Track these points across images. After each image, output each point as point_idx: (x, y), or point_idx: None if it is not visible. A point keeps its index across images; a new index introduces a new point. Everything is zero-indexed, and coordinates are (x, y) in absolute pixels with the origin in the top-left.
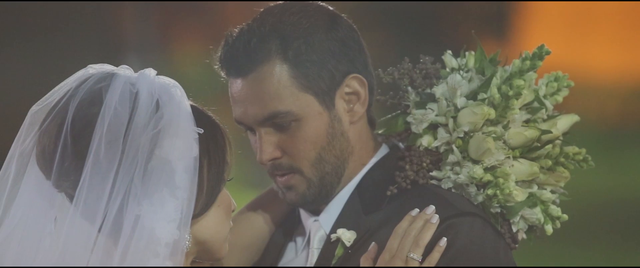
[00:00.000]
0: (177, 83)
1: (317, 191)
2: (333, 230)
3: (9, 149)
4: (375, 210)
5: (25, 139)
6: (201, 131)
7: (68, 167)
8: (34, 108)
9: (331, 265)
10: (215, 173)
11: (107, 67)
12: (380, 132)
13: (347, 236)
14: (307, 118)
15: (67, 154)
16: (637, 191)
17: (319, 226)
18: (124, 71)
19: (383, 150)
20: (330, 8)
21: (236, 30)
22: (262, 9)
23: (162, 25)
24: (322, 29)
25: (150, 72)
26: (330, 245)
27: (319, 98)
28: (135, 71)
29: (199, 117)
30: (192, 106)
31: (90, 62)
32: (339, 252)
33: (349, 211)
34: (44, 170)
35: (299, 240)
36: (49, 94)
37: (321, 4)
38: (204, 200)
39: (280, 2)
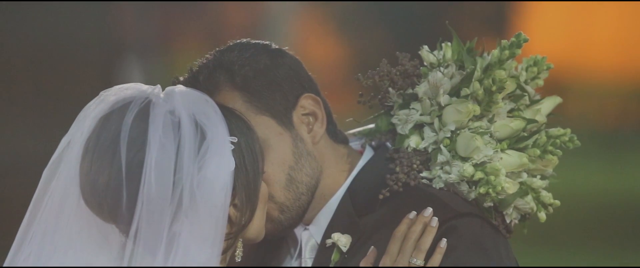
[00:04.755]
0: (203, 95)
1: (294, 215)
2: (324, 238)
3: (8, 148)
4: (368, 212)
5: (64, 170)
6: (235, 139)
7: (124, 208)
8: (65, 139)
9: (332, 267)
10: (253, 174)
11: (130, 90)
12: (358, 130)
13: (343, 241)
14: (268, 140)
15: (122, 196)
16: (637, 191)
17: (309, 236)
18: (156, 92)
19: (368, 153)
20: (273, 45)
21: (181, 77)
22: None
23: (162, 25)
24: (266, 56)
25: (179, 90)
26: (325, 250)
27: (277, 119)
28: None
29: (226, 119)
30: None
31: (90, 62)
32: (335, 257)
33: (342, 214)
34: (93, 207)
35: (292, 249)
36: (76, 125)
37: (263, 43)
38: (250, 206)
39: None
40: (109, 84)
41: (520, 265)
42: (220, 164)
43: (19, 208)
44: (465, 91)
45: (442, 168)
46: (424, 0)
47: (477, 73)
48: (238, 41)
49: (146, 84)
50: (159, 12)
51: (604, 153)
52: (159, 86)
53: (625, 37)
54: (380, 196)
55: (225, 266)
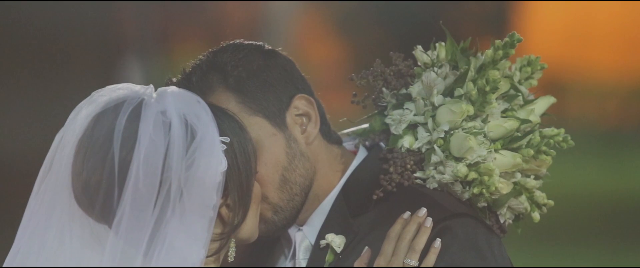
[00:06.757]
0: (195, 95)
1: (288, 215)
2: (318, 238)
3: (8, 147)
4: (362, 213)
5: (55, 169)
6: (227, 139)
7: (115, 208)
8: (59, 136)
9: (327, 267)
10: (246, 174)
11: (122, 90)
12: (352, 130)
13: (337, 242)
14: (261, 140)
15: (113, 195)
16: (637, 191)
17: (303, 237)
18: (149, 92)
19: (362, 153)
20: (266, 45)
21: (174, 78)
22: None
23: (162, 25)
24: (260, 57)
25: (171, 90)
26: (319, 251)
27: (270, 120)
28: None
29: (218, 119)
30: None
31: (90, 62)
32: (329, 257)
33: (336, 215)
34: (84, 207)
35: (286, 250)
36: (67, 124)
37: (256, 43)
38: (243, 207)
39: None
40: (109, 84)
41: (519, 265)
42: (210, 164)
43: (19, 207)
44: (459, 91)
45: (435, 168)
46: (423, 0)
47: (471, 73)
48: (231, 41)
49: (146, 84)
50: (159, 12)
51: (604, 153)
52: (151, 86)
53: (625, 37)
54: (374, 197)
55: (218, 266)
